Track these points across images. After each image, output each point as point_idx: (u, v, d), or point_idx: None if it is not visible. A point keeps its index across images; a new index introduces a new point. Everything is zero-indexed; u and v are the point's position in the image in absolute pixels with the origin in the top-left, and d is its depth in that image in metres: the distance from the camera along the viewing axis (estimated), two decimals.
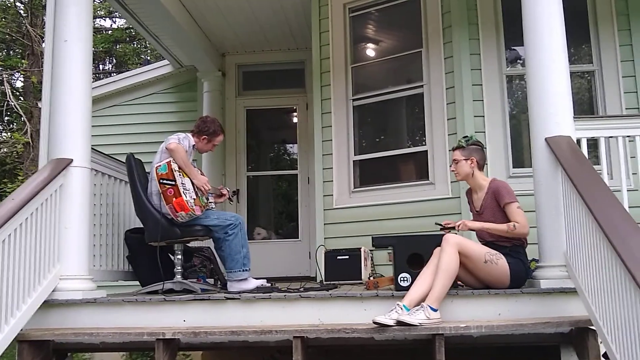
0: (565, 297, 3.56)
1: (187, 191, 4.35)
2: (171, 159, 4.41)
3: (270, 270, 6.78)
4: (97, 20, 17.34)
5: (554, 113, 3.78)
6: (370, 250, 5.55)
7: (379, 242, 4.26)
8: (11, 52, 16.34)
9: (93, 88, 8.15)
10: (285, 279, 6.16)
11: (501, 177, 4.91)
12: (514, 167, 5.39)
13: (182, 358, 7.28)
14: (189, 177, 4.42)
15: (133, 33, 16.78)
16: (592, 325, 3.21)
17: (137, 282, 5.08)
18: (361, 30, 6.40)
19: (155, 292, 4.42)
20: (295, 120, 8.19)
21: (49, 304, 3.87)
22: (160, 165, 4.41)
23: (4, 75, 13.51)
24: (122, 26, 16.70)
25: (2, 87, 13.35)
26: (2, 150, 14.72)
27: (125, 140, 7.72)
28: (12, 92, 13.44)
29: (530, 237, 3.89)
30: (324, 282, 5.19)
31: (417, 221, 5.37)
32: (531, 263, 3.99)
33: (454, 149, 4.19)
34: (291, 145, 8.70)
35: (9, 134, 14.88)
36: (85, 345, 4.01)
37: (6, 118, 16.04)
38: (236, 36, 7.69)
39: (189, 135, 4.69)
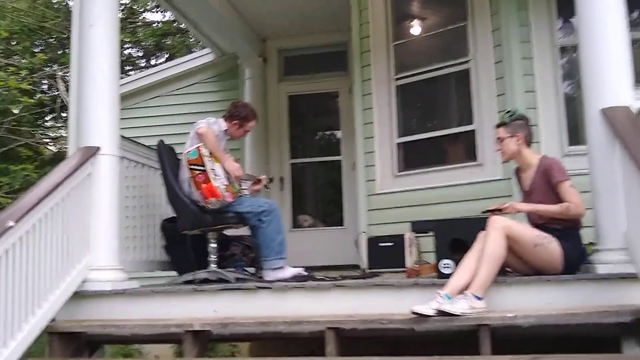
0: (626, 283, 3.22)
1: (217, 177, 4.21)
2: (201, 144, 4.28)
3: (317, 259, 6.59)
4: (146, 13, 17.52)
5: (610, 81, 3.44)
6: (416, 237, 5.29)
7: (419, 227, 4.02)
8: (66, 51, 16.73)
9: (136, 80, 8.31)
10: (331, 267, 5.98)
11: (556, 155, 4.55)
12: (569, 145, 5.00)
13: (229, 348, 7.23)
14: (220, 163, 4.28)
15: (182, 25, 16.88)
16: None
17: (175, 272, 5.00)
18: (402, 5, 6.08)
19: (191, 282, 4.31)
20: (338, 104, 7.93)
21: (79, 295, 3.80)
22: (190, 151, 4.29)
23: (59, 73, 13.79)
24: (171, 18, 16.81)
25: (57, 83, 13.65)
26: (59, 147, 15.09)
27: (169, 131, 7.57)
28: (66, 88, 13.72)
29: (586, 220, 3.56)
30: (366, 270, 4.99)
31: (465, 205, 5.05)
32: (588, 247, 3.65)
33: (497, 127, 3.88)
34: (335, 131, 8.45)
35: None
36: (116, 337, 3.94)
37: (64, 114, 16.45)
38: (276, 20, 7.46)
39: (220, 120, 4.55)
